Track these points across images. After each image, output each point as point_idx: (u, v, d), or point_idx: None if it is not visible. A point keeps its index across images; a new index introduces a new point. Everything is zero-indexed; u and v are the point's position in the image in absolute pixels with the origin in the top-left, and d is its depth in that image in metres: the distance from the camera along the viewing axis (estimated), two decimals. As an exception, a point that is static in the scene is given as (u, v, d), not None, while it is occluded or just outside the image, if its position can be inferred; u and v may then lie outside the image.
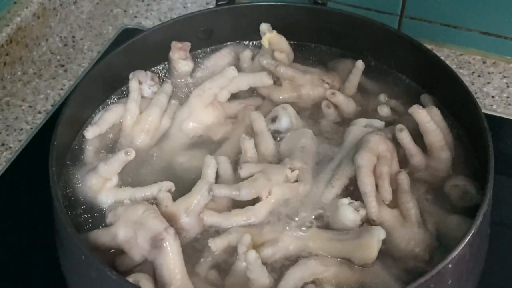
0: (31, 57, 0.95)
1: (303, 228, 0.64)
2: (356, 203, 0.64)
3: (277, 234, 0.64)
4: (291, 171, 0.67)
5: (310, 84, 0.77)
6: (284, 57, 0.79)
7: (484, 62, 0.95)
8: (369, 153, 0.67)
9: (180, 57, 0.79)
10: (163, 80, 0.79)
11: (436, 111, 0.70)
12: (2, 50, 0.89)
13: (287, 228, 0.64)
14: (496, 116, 0.87)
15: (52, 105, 0.91)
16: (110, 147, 0.73)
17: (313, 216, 0.65)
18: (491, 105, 0.90)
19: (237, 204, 0.66)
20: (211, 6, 0.90)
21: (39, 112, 0.90)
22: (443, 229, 0.65)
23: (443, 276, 0.58)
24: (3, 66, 0.89)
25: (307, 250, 0.63)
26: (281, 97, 0.76)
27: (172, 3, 1.05)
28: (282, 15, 0.81)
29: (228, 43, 0.83)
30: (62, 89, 0.93)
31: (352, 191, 0.66)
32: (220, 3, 0.83)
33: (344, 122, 0.75)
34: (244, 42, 0.83)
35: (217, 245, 0.63)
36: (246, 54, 0.80)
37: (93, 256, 0.58)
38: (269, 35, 0.79)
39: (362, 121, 0.73)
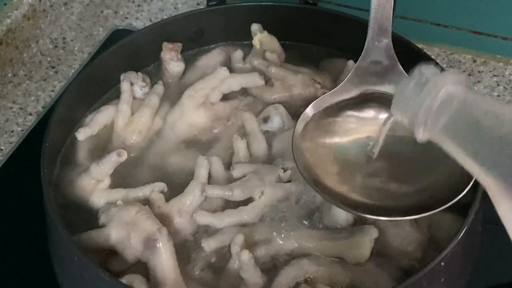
0: (21, 59, 0.95)
1: (296, 228, 0.64)
2: (349, 202, 0.65)
3: (270, 234, 0.64)
4: (284, 171, 0.67)
5: (301, 84, 0.77)
6: (275, 58, 0.79)
7: (474, 61, 0.95)
8: (361, 152, 0.67)
9: (171, 58, 0.78)
10: (154, 81, 0.79)
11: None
12: (-8, 52, 0.89)
13: (280, 228, 0.64)
14: (486, 114, 0.88)
15: (43, 107, 0.91)
16: (102, 148, 0.73)
17: (306, 216, 0.66)
18: (482, 104, 0.90)
19: (230, 205, 0.66)
20: (202, 7, 0.90)
21: (30, 114, 0.90)
22: (435, 227, 0.65)
23: (436, 274, 0.58)
24: (-7, 68, 0.89)
25: (300, 250, 0.63)
26: (272, 97, 0.76)
27: (163, 3, 1.05)
28: (273, 15, 0.81)
29: (219, 43, 0.83)
30: (53, 91, 0.93)
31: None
32: (211, 3, 0.83)
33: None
34: (235, 42, 0.83)
35: (210, 245, 0.63)
36: (238, 54, 0.80)
37: (86, 257, 0.58)
38: (260, 36, 0.79)
39: (354, 121, 0.73)
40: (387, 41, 0.66)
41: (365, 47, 0.67)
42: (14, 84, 0.93)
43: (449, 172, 0.59)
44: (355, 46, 0.80)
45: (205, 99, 0.74)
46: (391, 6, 0.66)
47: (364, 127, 0.66)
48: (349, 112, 0.66)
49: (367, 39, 0.66)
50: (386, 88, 0.66)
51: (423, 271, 0.57)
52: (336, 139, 0.66)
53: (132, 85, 0.76)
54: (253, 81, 0.76)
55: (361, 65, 0.66)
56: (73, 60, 0.97)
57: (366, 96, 0.66)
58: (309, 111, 0.66)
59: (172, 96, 0.77)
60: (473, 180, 0.58)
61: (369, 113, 0.66)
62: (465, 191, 0.58)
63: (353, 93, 0.66)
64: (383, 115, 0.63)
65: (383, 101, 0.64)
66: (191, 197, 0.65)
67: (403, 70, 0.66)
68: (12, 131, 0.88)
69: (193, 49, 0.83)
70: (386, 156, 0.62)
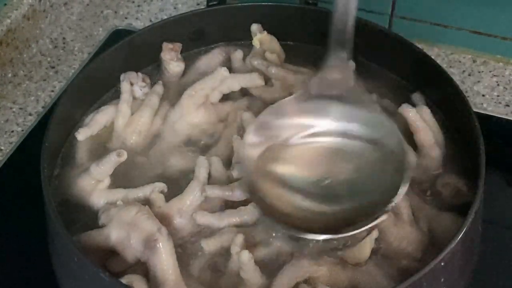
0: (21, 59, 0.95)
1: (296, 228, 0.64)
2: (349, 202, 0.65)
3: (270, 234, 0.64)
4: (284, 171, 0.67)
5: (301, 84, 0.77)
6: (275, 58, 0.79)
7: (474, 61, 0.95)
8: (361, 153, 0.67)
9: (171, 58, 0.78)
10: (154, 81, 0.79)
11: (426, 110, 0.71)
12: (-8, 52, 0.89)
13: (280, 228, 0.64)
14: (486, 114, 0.88)
15: (43, 107, 0.91)
16: (102, 148, 0.73)
17: (306, 216, 0.65)
18: (482, 104, 0.90)
19: (230, 205, 0.66)
20: (202, 7, 0.90)
21: (30, 114, 0.90)
22: (435, 227, 0.65)
23: (436, 274, 0.58)
24: (-7, 68, 0.89)
25: (300, 250, 0.63)
26: (272, 97, 0.76)
27: (163, 4, 1.05)
28: (273, 15, 0.81)
29: (219, 43, 0.83)
30: (53, 91, 0.93)
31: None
32: (211, 3, 0.83)
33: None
34: (235, 42, 0.83)
35: (210, 245, 0.63)
36: (237, 54, 0.80)
37: (86, 257, 0.58)
38: (260, 36, 0.79)
39: (354, 121, 0.73)
40: (344, 56, 0.63)
41: (324, 61, 0.64)
42: (14, 84, 0.93)
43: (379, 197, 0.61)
44: (355, 46, 0.80)
45: (205, 99, 0.74)
46: (352, 20, 0.62)
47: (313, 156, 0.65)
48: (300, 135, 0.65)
49: (327, 52, 0.63)
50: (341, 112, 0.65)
51: (422, 271, 0.57)
52: (286, 168, 0.65)
53: (132, 85, 0.76)
54: (253, 81, 0.76)
55: (317, 80, 0.65)
56: (73, 60, 0.97)
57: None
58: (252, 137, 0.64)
59: (172, 96, 0.77)
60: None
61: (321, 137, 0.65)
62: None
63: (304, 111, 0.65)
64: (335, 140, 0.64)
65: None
66: (191, 197, 0.65)
67: (363, 90, 0.64)
68: (12, 131, 0.88)
69: (193, 49, 0.83)
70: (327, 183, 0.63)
